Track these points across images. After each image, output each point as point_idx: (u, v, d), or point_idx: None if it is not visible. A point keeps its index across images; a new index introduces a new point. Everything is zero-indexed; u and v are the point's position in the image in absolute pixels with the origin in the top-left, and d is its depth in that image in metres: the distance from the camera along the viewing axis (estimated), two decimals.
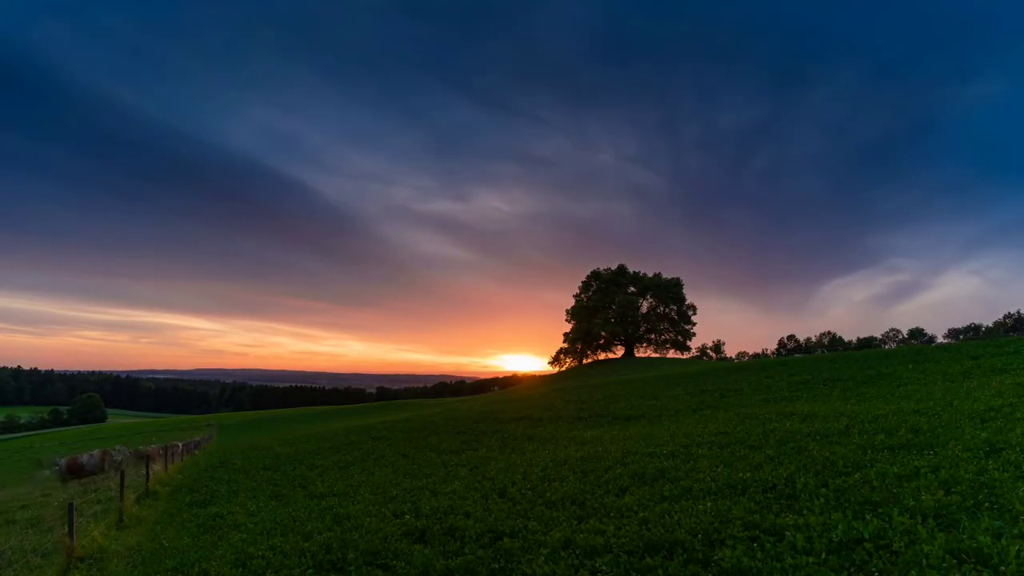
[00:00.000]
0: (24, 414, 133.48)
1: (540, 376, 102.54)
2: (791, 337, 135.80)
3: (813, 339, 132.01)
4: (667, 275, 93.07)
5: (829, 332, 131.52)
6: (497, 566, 6.22)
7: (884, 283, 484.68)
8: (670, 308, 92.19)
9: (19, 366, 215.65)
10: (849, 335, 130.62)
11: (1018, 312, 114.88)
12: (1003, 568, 4.36)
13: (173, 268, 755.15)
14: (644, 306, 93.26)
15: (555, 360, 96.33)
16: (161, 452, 22.59)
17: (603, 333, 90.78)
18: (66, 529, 9.37)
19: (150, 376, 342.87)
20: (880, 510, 6.01)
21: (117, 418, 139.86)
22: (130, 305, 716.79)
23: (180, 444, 27.22)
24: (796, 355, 72.55)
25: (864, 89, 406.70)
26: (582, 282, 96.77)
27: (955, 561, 4.59)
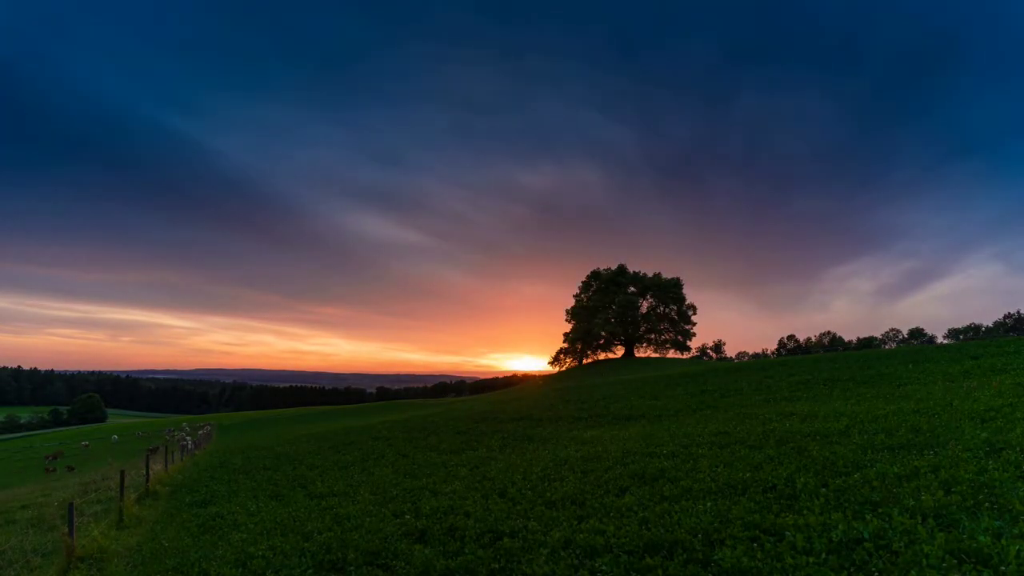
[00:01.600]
0: (24, 414, 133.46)
1: (540, 376, 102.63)
2: (791, 337, 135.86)
3: (813, 339, 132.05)
4: (663, 273, 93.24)
5: (829, 332, 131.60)
6: (497, 566, 6.23)
7: (894, 271, 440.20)
8: (670, 308, 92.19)
9: (19, 366, 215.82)
10: (849, 335, 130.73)
11: (1018, 312, 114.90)
12: (1003, 568, 4.36)
13: (114, 258, 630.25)
14: (644, 306, 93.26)
15: (555, 360, 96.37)
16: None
17: (603, 333, 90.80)
18: (66, 529, 9.37)
19: (150, 376, 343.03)
20: (880, 510, 6.02)
21: (117, 418, 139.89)
22: (84, 300, 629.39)
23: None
24: (796, 355, 72.58)
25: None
26: (582, 282, 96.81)
27: (955, 561, 4.59)
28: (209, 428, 52.02)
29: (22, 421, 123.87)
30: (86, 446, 54.90)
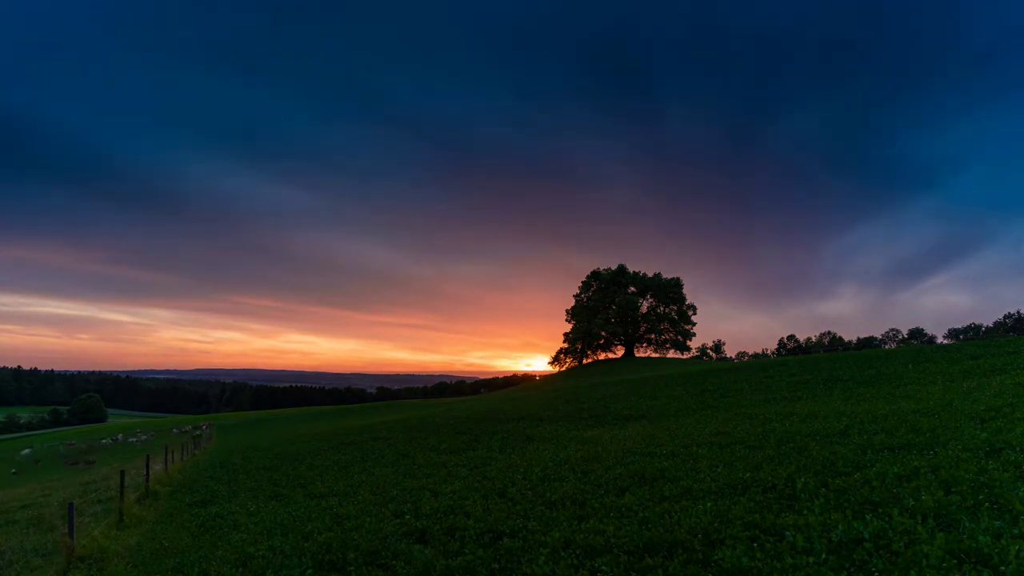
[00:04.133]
0: (24, 414, 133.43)
1: (540, 376, 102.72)
2: (791, 337, 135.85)
3: (813, 339, 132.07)
4: (663, 273, 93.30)
5: (829, 332, 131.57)
6: (497, 566, 6.23)
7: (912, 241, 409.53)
8: (670, 308, 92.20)
9: (19, 366, 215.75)
10: (849, 335, 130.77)
11: (1018, 312, 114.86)
12: (1003, 568, 4.36)
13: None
14: (644, 306, 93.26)
15: (555, 360, 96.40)
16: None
17: (603, 333, 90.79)
18: (66, 529, 9.37)
19: (150, 376, 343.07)
20: (880, 510, 6.02)
21: (117, 418, 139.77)
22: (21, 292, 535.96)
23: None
24: (796, 355, 72.61)
25: None
26: (582, 282, 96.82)
27: (955, 561, 4.59)
28: (206, 427, 52.05)
29: (22, 421, 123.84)
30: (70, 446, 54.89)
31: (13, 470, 38.70)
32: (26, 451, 51.86)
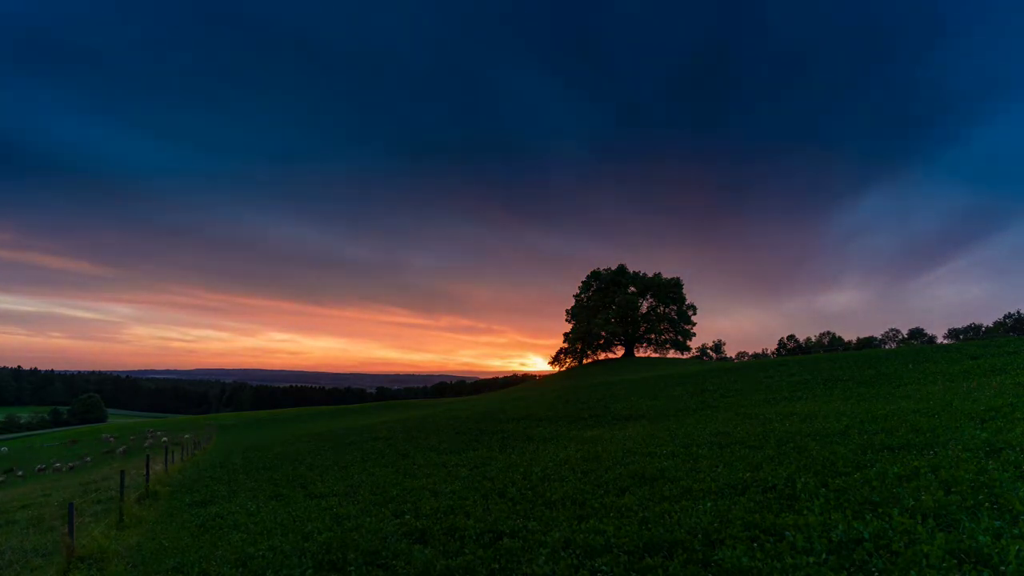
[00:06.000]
0: (24, 414, 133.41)
1: (540, 376, 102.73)
2: (791, 337, 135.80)
3: (813, 339, 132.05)
4: (663, 273, 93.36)
5: (829, 332, 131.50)
6: (497, 566, 6.23)
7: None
8: (670, 308, 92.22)
9: (19, 366, 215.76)
10: (849, 335, 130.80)
11: (1018, 312, 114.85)
12: (1003, 568, 4.36)
13: None
14: (644, 306, 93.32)
15: (555, 360, 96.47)
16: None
17: (603, 333, 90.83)
18: (66, 529, 9.37)
19: (150, 376, 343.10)
20: (880, 510, 6.02)
21: (117, 418, 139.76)
22: None
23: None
24: (796, 355, 72.63)
25: None
26: (582, 282, 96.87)
27: (955, 561, 4.59)
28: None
29: (22, 421, 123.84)
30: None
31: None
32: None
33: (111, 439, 56.71)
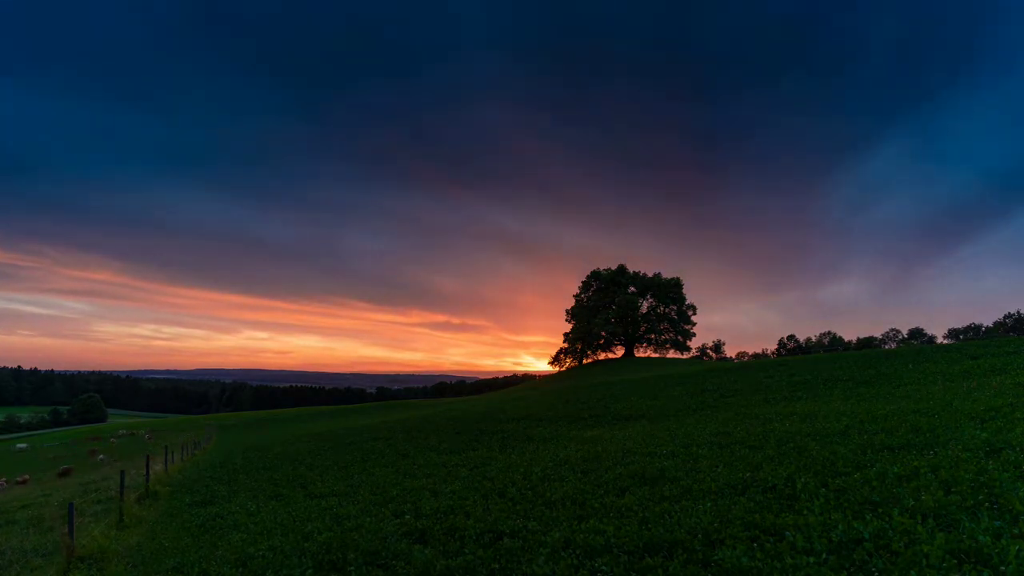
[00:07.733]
0: (24, 414, 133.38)
1: (540, 376, 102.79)
2: (791, 337, 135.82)
3: (813, 339, 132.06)
4: (663, 273, 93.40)
5: (829, 332, 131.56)
6: (497, 566, 6.22)
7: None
8: (670, 308, 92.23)
9: (19, 366, 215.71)
10: (849, 335, 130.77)
11: (1018, 312, 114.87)
12: (1003, 568, 4.36)
13: None
14: (644, 306, 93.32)
15: (555, 360, 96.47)
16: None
17: (603, 333, 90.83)
18: (66, 529, 9.37)
19: (150, 376, 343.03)
20: (880, 510, 6.02)
21: (117, 418, 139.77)
22: None
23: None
24: (796, 355, 72.60)
25: None
26: (582, 282, 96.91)
27: (955, 561, 4.59)
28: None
29: (22, 421, 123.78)
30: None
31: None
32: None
33: (114, 440, 56.89)
